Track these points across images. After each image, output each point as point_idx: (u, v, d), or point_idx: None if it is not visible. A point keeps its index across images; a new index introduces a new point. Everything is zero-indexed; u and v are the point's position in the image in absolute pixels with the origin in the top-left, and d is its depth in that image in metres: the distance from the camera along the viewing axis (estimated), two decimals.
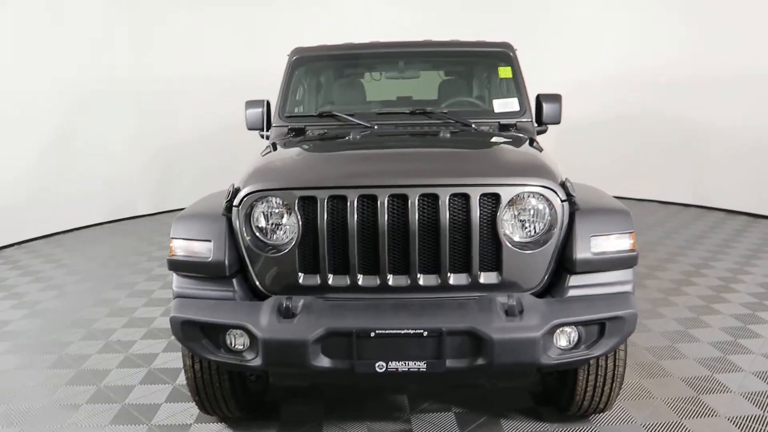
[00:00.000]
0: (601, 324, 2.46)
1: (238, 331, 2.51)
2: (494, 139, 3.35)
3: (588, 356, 2.48)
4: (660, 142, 8.83)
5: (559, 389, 3.07)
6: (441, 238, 2.53)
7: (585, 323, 2.45)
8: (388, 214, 2.53)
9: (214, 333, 2.56)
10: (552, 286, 2.65)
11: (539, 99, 4.02)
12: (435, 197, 2.53)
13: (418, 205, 2.53)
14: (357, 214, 2.54)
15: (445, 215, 2.51)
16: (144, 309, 4.94)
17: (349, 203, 2.54)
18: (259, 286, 2.68)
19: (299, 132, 3.80)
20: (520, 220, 2.58)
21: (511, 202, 2.55)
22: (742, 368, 3.62)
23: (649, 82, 8.75)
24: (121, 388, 3.59)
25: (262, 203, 2.65)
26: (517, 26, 8.89)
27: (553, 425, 3.06)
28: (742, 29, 7.64)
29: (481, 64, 4.32)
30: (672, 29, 8.47)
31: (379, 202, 2.53)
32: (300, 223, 2.58)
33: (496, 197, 2.53)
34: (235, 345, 2.55)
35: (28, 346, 4.28)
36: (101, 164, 8.29)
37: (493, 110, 3.92)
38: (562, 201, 2.58)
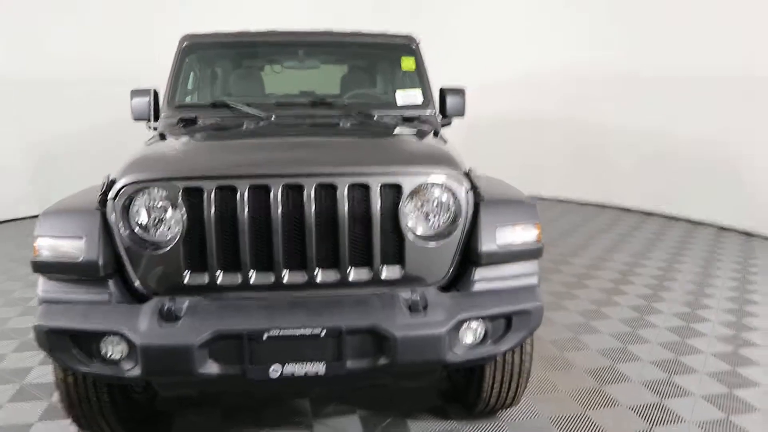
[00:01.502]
0: (508, 318, 2.38)
1: (115, 338, 2.24)
2: (397, 130, 3.23)
3: (495, 352, 2.39)
4: (565, 142, 9.13)
5: (466, 386, 2.99)
6: (339, 231, 2.36)
7: (491, 317, 2.36)
8: (282, 205, 2.34)
9: (86, 342, 2.27)
10: (457, 280, 2.55)
11: (443, 92, 3.96)
12: (333, 187, 2.36)
13: (315, 195, 2.35)
14: (248, 205, 2.33)
15: (343, 207, 2.35)
16: (18, 319, 4.45)
17: (239, 194, 2.33)
18: (140, 288, 2.40)
19: (190, 122, 3.53)
20: (423, 212, 2.46)
21: (414, 193, 2.42)
22: (640, 357, 3.70)
23: (559, 83, 9.01)
24: None
25: (142, 195, 2.38)
26: (428, 26, 8.93)
27: (460, 423, 2.98)
28: (650, 32, 7.98)
29: (384, 56, 4.20)
30: (580, 31, 8.76)
31: (272, 193, 2.33)
32: (184, 216, 2.34)
33: (398, 188, 2.40)
34: (111, 354, 2.27)
35: None
36: None
37: (396, 102, 3.82)
38: (466, 191, 2.49)
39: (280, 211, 2.33)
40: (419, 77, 3.94)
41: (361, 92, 4.09)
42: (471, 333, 2.36)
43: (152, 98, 3.73)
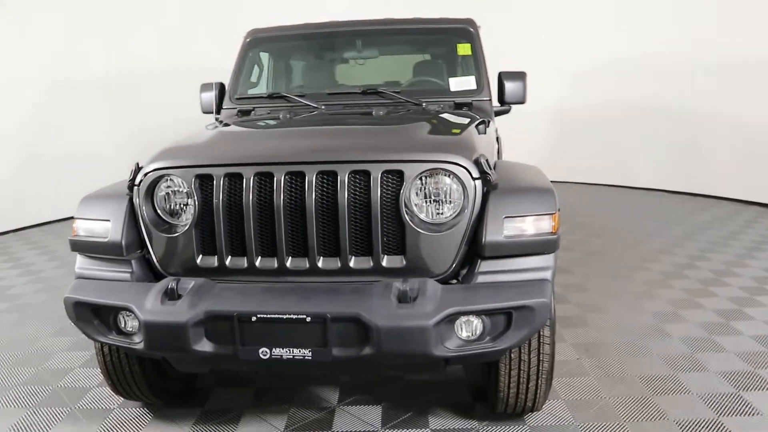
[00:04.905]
0: (507, 314, 2.25)
1: (130, 314, 2.41)
2: (426, 117, 3.13)
3: (493, 349, 2.26)
4: (664, 130, 8.47)
5: (487, 384, 2.86)
6: (340, 219, 2.36)
7: (488, 312, 2.24)
8: (284, 192, 2.38)
9: (105, 315, 2.47)
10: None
11: (501, 77, 3.81)
12: (334, 175, 2.36)
13: (316, 183, 2.36)
14: (253, 192, 2.40)
15: (344, 194, 2.34)
16: None
17: (245, 181, 2.40)
18: (159, 268, 2.56)
19: (246, 113, 3.69)
20: (427, 200, 2.38)
21: (417, 180, 2.35)
22: (708, 368, 3.33)
23: (652, 69, 8.44)
24: (59, 371, 3.54)
25: (163, 182, 2.53)
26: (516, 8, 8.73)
27: (482, 423, 2.85)
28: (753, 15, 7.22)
29: (442, 41, 4.11)
30: (676, 15, 8.12)
31: (275, 180, 2.38)
32: (197, 202, 2.45)
33: (400, 175, 2.35)
34: (126, 327, 2.45)
35: None
36: (94, 155, 8.26)
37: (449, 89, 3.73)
38: (474, 179, 2.38)
39: (282, 198, 2.37)
40: (475, 62, 3.82)
41: (418, 80, 4.05)
42: (466, 328, 2.26)
43: (216, 92, 3.94)
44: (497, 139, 3.87)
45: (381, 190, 2.34)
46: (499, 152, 4.35)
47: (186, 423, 2.94)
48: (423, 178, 2.36)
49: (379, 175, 2.34)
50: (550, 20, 9.18)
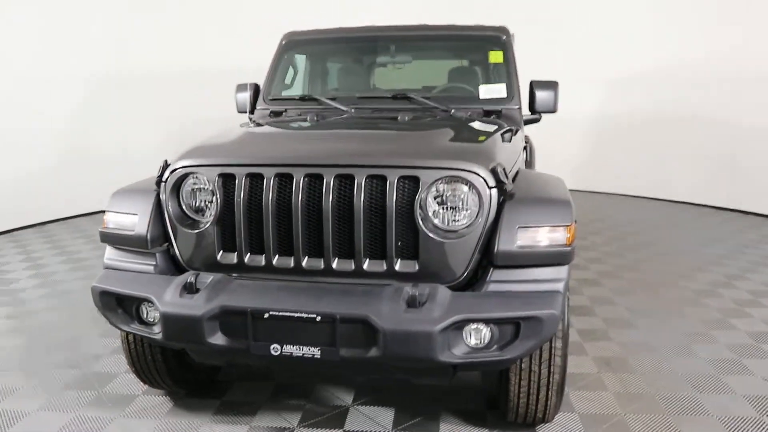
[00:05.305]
0: (516, 323, 2.25)
1: (152, 305, 2.51)
2: (451, 124, 3.15)
3: (500, 358, 2.27)
4: (705, 142, 8.27)
5: (499, 393, 2.86)
6: (356, 222, 2.40)
7: (496, 321, 2.25)
8: (303, 194, 2.44)
9: (128, 304, 2.58)
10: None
11: (532, 86, 3.79)
12: (351, 178, 2.41)
13: (334, 186, 2.42)
14: (273, 192, 2.47)
15: (360, 198, 2.38)
16: None
17: (265, 181, 2.47)
18: (182, 262, 2.66)
19: (277, 114, 3.78)
20: (442, 207, 2.41)
21: (432, 187, 2.38)
22: (734, 391, 3.24)
23: (692, 77, 8.27)
24: (90, 357, 3.70)
25: (190, 179, 2.63)
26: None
27: (492, 431, 2.86)
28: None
29: (475, 48, 4.12)
30: (702, 23, 7.95)
31: (294, 181, 2.44)
32: (219, 199, 2.54)
33: (416, 180, 2.38)
34: (148, 317, 2.56)
35: (23, 313, 4.53)
36: (124, 152, 8.46)
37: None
38: (489, 188, 2.39)
39: (300, 199, 2.44)
40: (506, 71, 3.82)
41: (449, 86, 4.07)
42: (475, 335, 2.28)
43: (251, 92, 4.04)
44: (526, 148, 3.85)
45: (397, 195, 2.38)
46: (528, 161, 4.33)
47: (205, 412, 3.04)
48: (438, 185, 2.38)
49: (395, 180, 2.37)
50: (583, 28, 9.04)
